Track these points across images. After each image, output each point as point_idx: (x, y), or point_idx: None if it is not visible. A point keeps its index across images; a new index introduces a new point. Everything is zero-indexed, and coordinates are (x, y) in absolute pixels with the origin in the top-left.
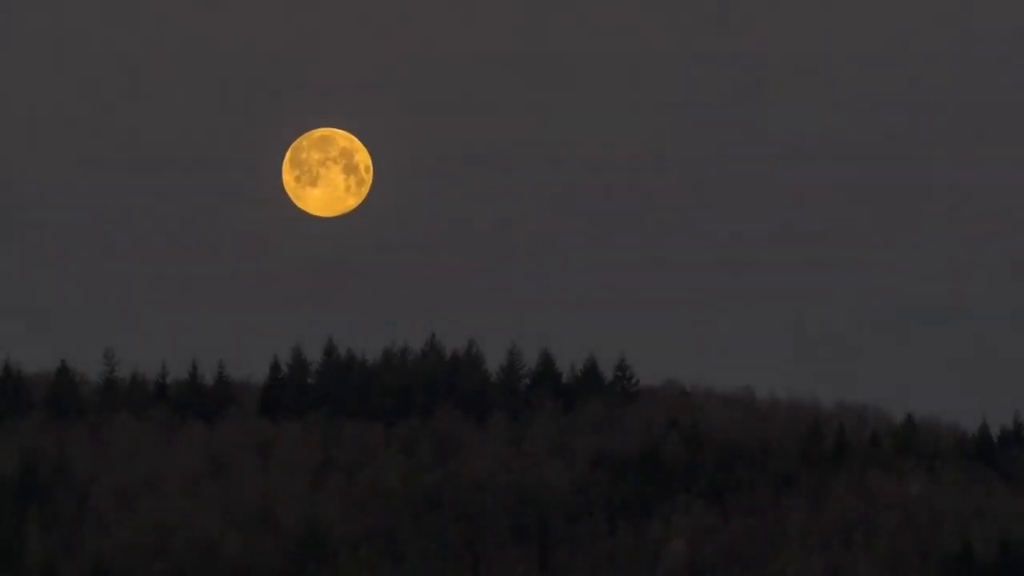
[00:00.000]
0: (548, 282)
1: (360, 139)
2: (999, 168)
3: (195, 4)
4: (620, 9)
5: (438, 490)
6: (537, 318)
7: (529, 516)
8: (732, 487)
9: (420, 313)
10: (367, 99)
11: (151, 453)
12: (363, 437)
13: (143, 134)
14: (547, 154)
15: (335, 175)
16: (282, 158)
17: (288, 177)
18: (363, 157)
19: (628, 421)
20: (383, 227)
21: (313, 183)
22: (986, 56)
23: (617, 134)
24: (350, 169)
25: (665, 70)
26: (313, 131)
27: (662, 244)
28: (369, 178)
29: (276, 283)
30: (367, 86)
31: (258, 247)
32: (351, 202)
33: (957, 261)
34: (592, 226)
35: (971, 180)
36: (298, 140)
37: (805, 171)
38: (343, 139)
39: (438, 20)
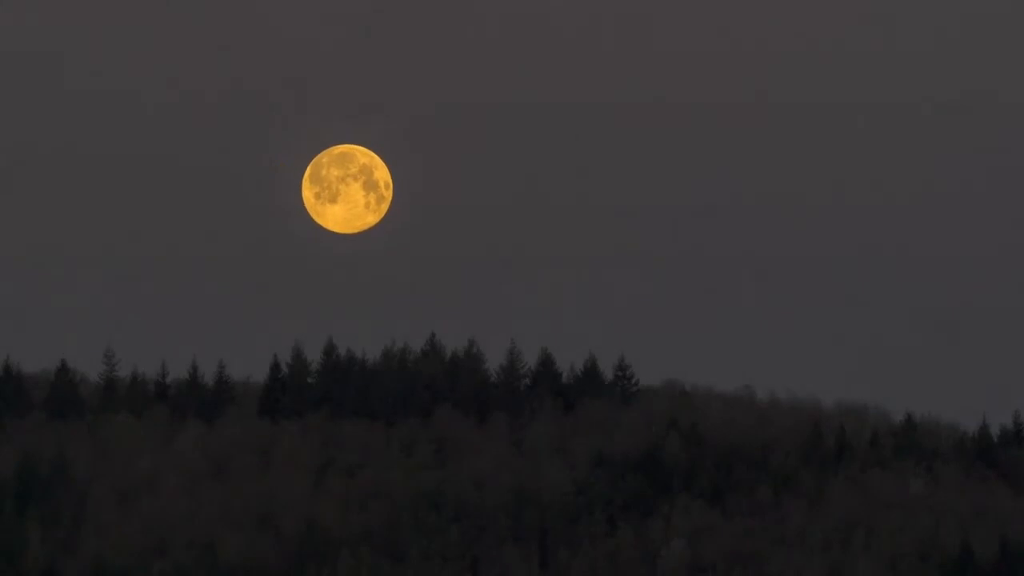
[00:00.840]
0: (548, 282)
1: (380, 155)
2: (999, 168)
3: (217, 17)
4: (624, 22)
5: (438, 490)
6: (537, 318)
7: (529, 516)
8: (732, 487)
9: (420, 313)
10: (387, 115)
11: (151, 453)
12: (363, 437)
13: (162, 148)
14: (549, 156)
15: (355, 192)
16: (302, 174)
17: (308, 193)
18: (383, 174)
19: (628, 421)
20: (403, 243)
21: (333, 200)
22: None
23: (618, 134)
24: (370, 186)
25: (664, 71)
26: (333, 147)
27: (662, 244)
28: (389, 195)
29: (277, 284)
30: (386, 102)
31: (273, 260)
32: (371, 219)
33: (958, 262)
34: (592, 226)
35: (971, 180)
36: (318, 157)
37: (805, 170)
38: (363, 155)
39: (457, 39)
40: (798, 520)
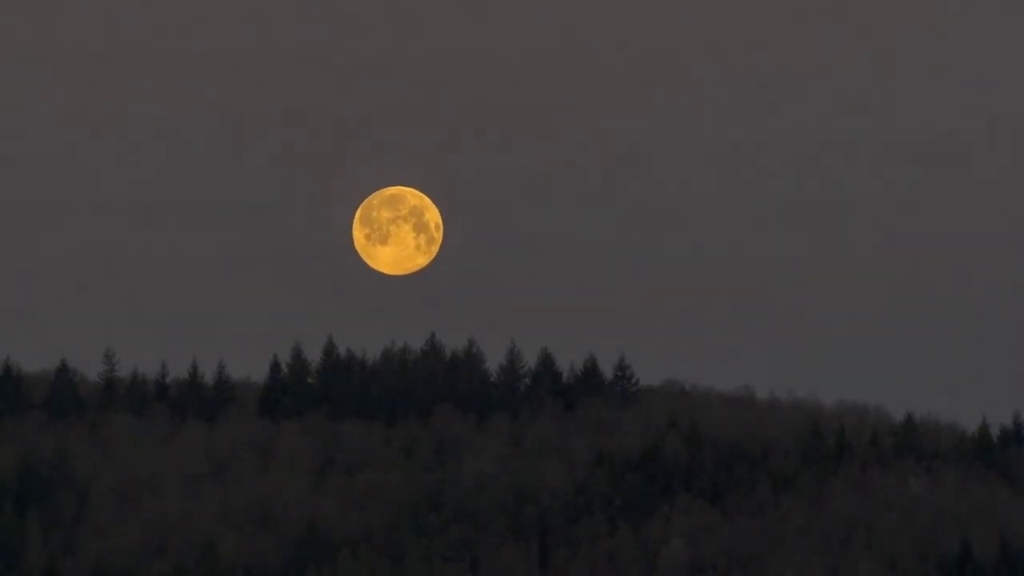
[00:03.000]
0: (548, 282)
1: (431, 197)
2: (997, 168)
3: (268, 66)
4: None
5: (438, 490)
6: (537, 318)
7: (529, 516)
8: (732, 487)
9: (421, 313)
10: (437, 157)
11: (151, 453)
12: (363, 437)
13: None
14: (550, 158)
15: (405, 233)
16: (352, 216)
17: (358, 235)
18: (433, 215)
19: (628, 421)
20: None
21: (383, 241)
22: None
23: (620, 135)
24: (420, 227)
25: (665, 73)
26: (384, 189)
27: (662, 244)
28: (439, 236)
29: (277, 284)
30: (437, 144)
31: (274, 261)
32: (421, 260)
33: (957, 261)
34: (592, 226)
35: (971, 180)
36: (368, 198)
37: (804, 170)
38: (413, 197)
39: (508, 85)
40: (798, 520)
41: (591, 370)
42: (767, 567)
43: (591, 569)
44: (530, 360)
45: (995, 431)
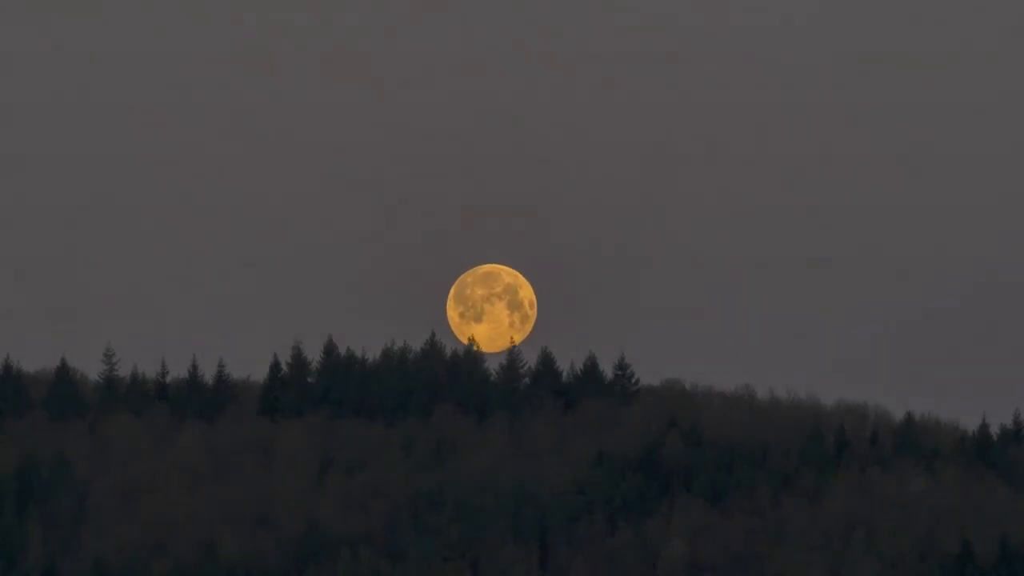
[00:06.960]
0: (549, 282)
1: (524, 275)
2: (997, 168)
3: (357, 143)
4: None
5: (438, 490)
6: (538, 318)
7: (529, 516)
8: (732, 487)
9: (421, 313)
10: (531, 235)
11: (151, 453)
12: (363, 437)
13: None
14: (553, 160)
15: (499, 311)
16: (447, 294)
17: (452, 313)
18: (527, 293)
19: (628, 421)
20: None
21: (478, 319)
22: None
23: (620, 134)
24: (514, 305)
25: (667, 73)
26: (478, 267)
27: (662, 244)
28: (533, 313)
29: (278, 283)
30: (531, 222)
31: (274, 259)
32: (516, 337)
33: (957, 261)
34: (592, 227)
35: (971, 181)
36: (463, 276)
37: (805, 171)
38: (507, 275)
39: (595, 162)
40: (798, 520)
41: (591, 370)
42: (767, 567)
43: (591, 569)
44: (530, 360)
45: (995, 431)
